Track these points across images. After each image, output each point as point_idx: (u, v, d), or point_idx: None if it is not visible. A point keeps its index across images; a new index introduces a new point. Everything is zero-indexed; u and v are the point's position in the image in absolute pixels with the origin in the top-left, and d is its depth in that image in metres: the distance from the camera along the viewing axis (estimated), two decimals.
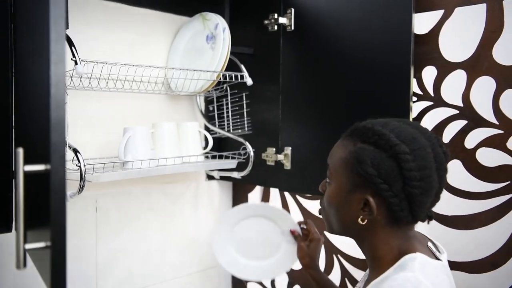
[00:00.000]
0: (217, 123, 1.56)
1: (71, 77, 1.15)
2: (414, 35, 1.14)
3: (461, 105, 1.14)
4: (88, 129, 1.30)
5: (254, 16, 1.48)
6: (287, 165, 1.41)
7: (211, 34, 1.40)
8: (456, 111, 1.15)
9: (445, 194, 0.87)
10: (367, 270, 0.95)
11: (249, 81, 1.42)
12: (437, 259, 0.83)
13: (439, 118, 1.17)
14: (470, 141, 1.12)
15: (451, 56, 1.15)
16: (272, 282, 1.65)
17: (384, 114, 1.17)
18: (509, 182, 1.08)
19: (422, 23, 1.18)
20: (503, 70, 1.07)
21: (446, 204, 1.16)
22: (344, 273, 1.44)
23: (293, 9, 1.37)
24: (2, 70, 0.93)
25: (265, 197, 1.66)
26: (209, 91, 1.46)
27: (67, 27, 0.88)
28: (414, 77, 1.18)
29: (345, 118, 1.26)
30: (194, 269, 1.63)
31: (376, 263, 0.83)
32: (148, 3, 1.41)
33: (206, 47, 1.41)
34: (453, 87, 1.15)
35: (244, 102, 1.49)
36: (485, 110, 1.10)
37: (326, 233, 1.49)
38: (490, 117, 1.10)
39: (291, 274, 1.59)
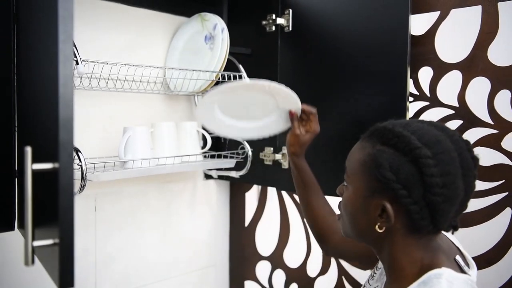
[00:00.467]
0: None
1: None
2: (411, 36, 1.15)
3: (457, 105, 1.16)
4: (86, 129, 1.31)
5: (252, 17, 1.49)
6: (285, 164, 1.42)
7: (210, 34, 1.41)
8: (452, 111, 1.17)
9: None
10: (378, 269, 0.94)
11: (247, 81, 1.43)
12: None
13: (435, 118, 1.19)
14: None
15: (447, 57, 1.17)
16: (270, 280, 1.66)
17: (381, 114, 1.19)
18: (503, 180, 1.10)
19: (419, 24, 1.20)
20: (498, 71, 1.09)
21: None
22: (341, 271, 1.46)
23: (291, 10, 1.39)
24: (5, 69, 0.94)
25: (263, 196, 1.67)
26: (207, 91, 1.47)
27: None
28: (411, 77, 1.19)
29: (342, 118, 1.27)
30: (192, 267, 1.65)
31: (396, 274, 0.78)
32: (147, 3, 1.42)
33: (204, 47, 1.42)
34: (449, 88, 1.17)
35: None
36: (480, 110, 1.12)
37: None
38: (485, 117, 1.12)
39: (288, 272, 1.61)
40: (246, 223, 1.73)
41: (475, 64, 1.12)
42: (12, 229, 0.96)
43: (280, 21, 1.40)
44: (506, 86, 1.08)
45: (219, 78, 1.39)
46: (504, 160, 1.09)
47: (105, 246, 1.37)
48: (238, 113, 1.16)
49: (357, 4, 1.24)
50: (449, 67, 1.16)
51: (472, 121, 1.13)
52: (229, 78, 1.41)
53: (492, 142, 1.11)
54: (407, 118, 1.17)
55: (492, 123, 1.11)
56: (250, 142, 1.45)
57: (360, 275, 1.41)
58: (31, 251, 0.60)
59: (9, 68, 0.93)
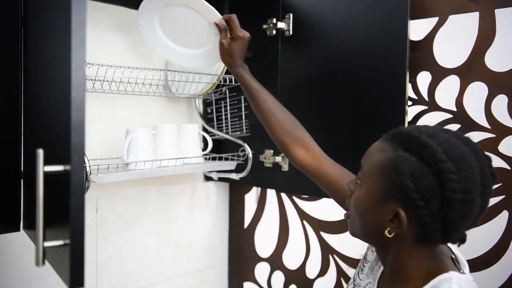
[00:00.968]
0: (215, 125, 1.59)
1: None
2: (410, 41, 1.17)
3: (455, 109, 1.18)
4: (88, 130, 1.31)
5: (253, 21, 1.50)
6: (285, 167, 1.44)
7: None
8: (450, 115, 1.19)
9: None
10: (367, 262, 0.95)
11: None
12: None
13: (433, 122, 1.21)
14: None
15: (445, 62, 1.19)
16: (269, 282, 1.67)
17: (380, 118, 1.21)
18: (500, 184, 1.12)
19: (417, 30, 1.22)
20: (495, 76, 1.11)
21: None
22: (340, 273, 1.48)
23: (291, 14, 1.40)
24: (12, 73, 0.95)
25: (262, 198, 1.68)
26: (208, 94, 1.49)
27: None
28: (410, 82, 1.21)
29: (342, 121, 1.29)
30: (191, 269, 1.66)
31: (400, 277, 0.78)
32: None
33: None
34: (447, 92, 1.19)
35: (243, 104, 1.52)
36: (477, 114, 1.15)
37: (321, 233, 1.53)
38: (482, 121, 1.14)
39: (287, 273, 1.62)
40: (246, 225, 1.74)
41: (472, 69, 1.14)
42: (18, 229, 0.97)
43: (281, 25, 1.42)
44: (503, 91, 1.10)
45: (220, 81, 1.40)
46: (501, 163, 1.11)
47: (105, 247, 1.38)
48: (179, 37, 1.24)
49: (357, 9, 1.25)
50: (447, 72, 1.18)
51: (469, 125, 1.15)
52: (230, 81, 1.42)
53: (489, 146, 1.13)
54: (406, 122, 1.18)
55: (489, 127, 1.13)
56: (251, 145, 1.47)
57: None
58: (42, 252, 0.61)
59: (16, 72, 0.94)
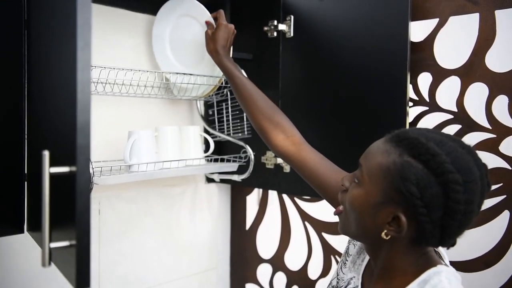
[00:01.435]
0: (217, 127, 1.59)
1: None
2: (411, 43, 1.18)
3: (455, 110, 1.18)
4: (91, 132, 1.32)
5: (253, 23, 1.51)
6: (286, 168, 1.44)
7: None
8: (451, 116, 1.19)
9: None
10: (349, 256, 0.96)
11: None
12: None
13: (434, 122, 1.22)
14: None
15: (446, 63, 1.19)
16: (271, 283, 1.68)
17: (381, 119, 1.22)
18: (501, 184, 1.12)
19: (418, 31, 1.23)
20: (496, 77, 1.12)
21: None
22: None
23: (292, 16, 1.41)
24: (16, 75, 0.95)
25: (263, 200, 1.69)
26: (209, 96, 1.49)
27: None
28: (410, 83, 1.22)
29: (343, 123, 1.30)
30: (193, 270, 1.66)
31: (390, 273, 0.80)
32: (150, 9, 1.44)
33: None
34: (447, 93, 1.19)
35: None
36: (478, 115, 1.15)
37: (323, 234, 1.53)
38: (483, 121, 1.14)
39: (289, 274, 1.62)
40: (247, 226, 1.74)
41: (473, 70, 1.15)
42: (22, 232, 0.97)
43: (282, 27, 1.42)
44: (503, 92, 1.11)
45: (222, 83, 1.41)
46: (501, 163, 1.12)
47: (108, 249, 1.38)
48: (181, 56, 1.39)
49: (358, 11, 1.26)
50: (447, 73, 1.19)
51: (470, 125, 1.16)
52: None
53: (490, 146, 1.13)
54: (407, 123, 1.19)
55: (490, 128, 1.13)
56: (252, 146, 1.47)
57: None
58: (48, 253, 0.61)
59: (20, 74, 0.95)
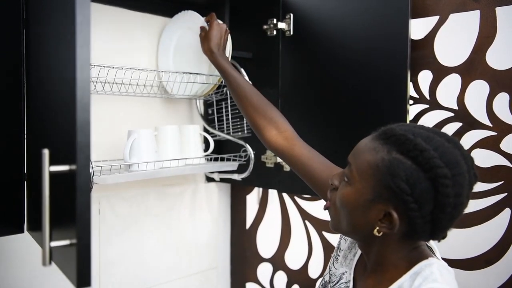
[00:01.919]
0: (217, 126, 1.59)
1: None
2: (411, 40, 1.18)
3: (456, 108, 1.18)
4: (91, 131, 1.31)
5: (253, 21, 1.51)
6: (287, 167, 1.44)
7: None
8: (451, 114, 1.19)
9: None
10: (341, 251, 0.96)
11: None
12: None
13: (434, 120, 1.21)
14: (465, 142, 1.16)
15: (446, 61, 1.19)
16: (271, 283, 1.67)
17: (381, 117, 1.22)
18: (502, 182, 1.12)
19: (418, 28, 1.22)
20: (496, 74, 1.12)
21: None
22: None
23: (292, 15, 1.41)
24: (15, 73, 0.95)
25: (264, 199, 1.68)
26: (209, 95, 1.49)
27: None
28: (411, 80, 1.21)
29: (344, 121, 1.29)
30: (194, 270, 1.65)
31: (382, 268, 0.81)
32: (146, 7, 1.43)
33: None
34: (448, 91, 1.19)
35: None
36: (479, 112, 1.15)
37: (324, 232, 1.53)
38: (484, 119, 1.14)
39: (290, 273, 1.62)
40: (247, 226, 1.74)
41: (474, 67, 1.15)
42: (22, 231, 0.97)
43: (281, 25, 1.42)
44: (504, 89, 1.11)
45: (221, 82, 1.41)
46: (503, 161, 1.12)
47: (108, 248, 1.38)
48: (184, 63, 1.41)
49: (357, 8, 1.26)
50: (448, 70, 1.19)
51: (471, 123, 1.16)
52: None
53: (491, 144, 1.13)
54: (407, 121, 1.18)
55: (491, 125, 1.13)
56: (252, 145, 1.47)
57: None
58: (49, 252, 0.61)
59: (18, 73, 0.94)
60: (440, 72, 1.20)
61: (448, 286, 0.73)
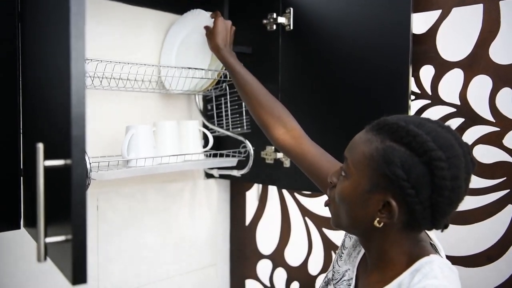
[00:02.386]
0: (216, 122, 1.57)
1: None
2: (412, 35, 1.16)
3: (458, 103, 1.17)
4: (88, 127, 1.30)
5: (253, 16, 1.49)
6: (286, 163, 1.42)
7: None
8: (454, 109, 1.17)
9: None
10: (345, 248, 0.96)
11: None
12: None
13: (436, 116, 1.20)
14: (467, 138, 1.14)
15: (448, 55, 1.18)
16: (271, 279, 1.66)
17: (382, 112, 1.20)
18: (505, 178, 1.11)
19: (420, 23, 1.21)
20: (499, 69, 1.10)
21: None
22: None
23: (292, 9, 1.39)
24: (10, 68, 0.93)
25: (263, 195, 1.67)
26: (208, 90, 1.47)
27: None
28: (412, 76, 1.20)
29: (344, 117, 1.28)
30: (193, 267, 1.65)
31: (383, 263, 0.81)
32: (147, 2, 1.42)
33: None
34: (450, 86, 1.18)
35: None
36: (481, 108, 1.13)
37: (323, 229, 1.52)
38: (486, 115, 1.13)
39: (289, 270, 1.61)
40: (247, 222, 1.73)
41: (476, 62, 1.13)
42: (19, 227, 0.96)
43: (281, 20, 1.40)
44: (507, 84, 1.09)
45: (221, 77, 1.39)
46: (505, 157, 1.10)
47: (107, 245, 1.37)
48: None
49: (358, 3, 1.24)
50: (450, 65, 1.17)
51: (473, 119, 1.14)
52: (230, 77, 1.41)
53: (493, 139, 1.12)
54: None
55: (494, 121, 1.12)
56: (252, 141, 1.46)
57: None
58: (44, 248, 0.60)
59: (14, 67, 0.93)
60: (442, 67, 1.18)
61: (448, 283, 0.72)
